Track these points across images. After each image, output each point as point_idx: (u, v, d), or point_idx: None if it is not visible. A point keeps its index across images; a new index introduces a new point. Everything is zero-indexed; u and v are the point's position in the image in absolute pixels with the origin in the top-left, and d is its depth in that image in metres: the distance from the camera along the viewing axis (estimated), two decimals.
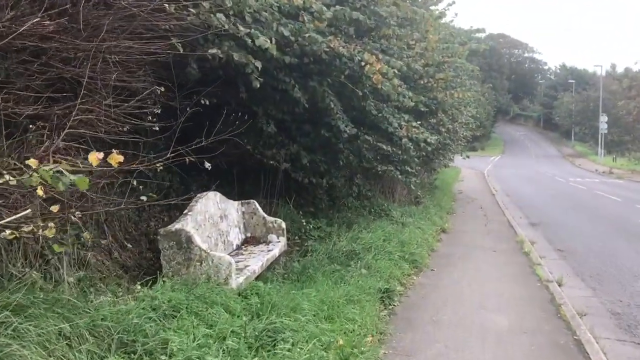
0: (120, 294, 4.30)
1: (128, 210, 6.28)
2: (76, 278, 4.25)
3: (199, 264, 5.18)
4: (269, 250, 6.64)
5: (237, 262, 6.10)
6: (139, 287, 4.42)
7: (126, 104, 4.64)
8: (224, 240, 6.51)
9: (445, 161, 16.84)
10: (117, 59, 4.53)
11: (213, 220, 6.26)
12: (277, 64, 7.03)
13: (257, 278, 5.98)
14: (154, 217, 6.91)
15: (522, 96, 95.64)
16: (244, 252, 6.59)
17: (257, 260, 6.13)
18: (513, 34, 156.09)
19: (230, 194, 8.18)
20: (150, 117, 5.19)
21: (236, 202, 7.11)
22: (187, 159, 4.10)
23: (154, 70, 5.33)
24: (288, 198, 8.56)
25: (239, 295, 5.02)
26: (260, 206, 8.31)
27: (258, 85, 5.81)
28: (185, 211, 5.77)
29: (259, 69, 5.33)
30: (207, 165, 4.29)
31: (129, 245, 6.03)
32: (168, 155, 3.80)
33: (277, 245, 6.90)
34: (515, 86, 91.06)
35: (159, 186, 7.18)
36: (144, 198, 4.00)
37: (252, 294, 5.09)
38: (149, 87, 4.74)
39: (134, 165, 3.83)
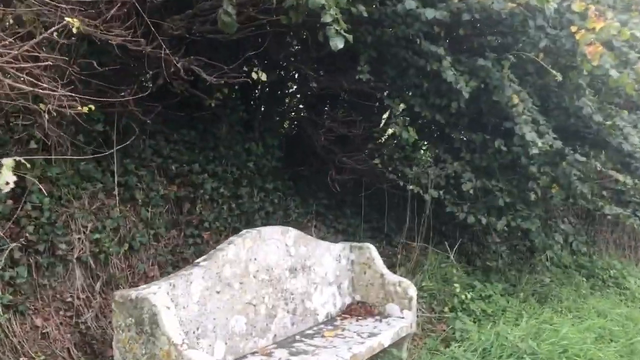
0: None
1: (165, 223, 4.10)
2: None
3: None
4: (370, 335, 3.86)
5: (295, 354, 3.49)
6: None
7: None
8: (294, 309, 3.92)
9: None
10: None
11: (271, 275, 3.73)
12: (421, 25, 4.29)
13: None
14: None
15: None
16: (325, 334, 3.92)
17: (330, 356, 3.43)
18: None
19: (352, 229, 5.58)
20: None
21: (338, 245, 4.46)
22: None
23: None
24: (447, 243, 5.62)
25: None
26: (398, 251, 5.55)
27: (339, 46, 3.16)
28: (200, 259, 3.33)
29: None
30: None
31: None
32: None
33: (393, 326, 4.07)
34: None
35: (247, 206, 4.90)
36: None
37: None
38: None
39: None
